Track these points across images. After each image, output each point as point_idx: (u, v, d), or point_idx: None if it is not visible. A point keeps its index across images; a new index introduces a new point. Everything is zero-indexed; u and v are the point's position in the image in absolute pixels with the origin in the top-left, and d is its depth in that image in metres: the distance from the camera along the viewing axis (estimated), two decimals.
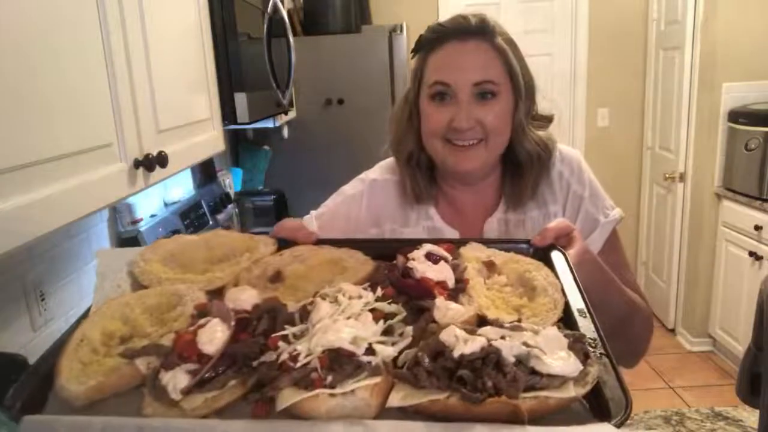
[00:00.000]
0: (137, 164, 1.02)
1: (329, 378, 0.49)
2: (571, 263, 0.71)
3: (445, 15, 3.79)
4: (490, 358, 0.49)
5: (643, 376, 3.11)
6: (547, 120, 0.96)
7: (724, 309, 3.18)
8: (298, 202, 2.80)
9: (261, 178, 2.87)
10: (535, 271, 0.69)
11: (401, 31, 2.75)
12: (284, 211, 2.68)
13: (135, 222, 1.67)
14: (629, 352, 1.01)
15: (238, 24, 1.60)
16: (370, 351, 0.51)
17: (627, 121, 3.91)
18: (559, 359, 0.49)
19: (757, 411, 0.93)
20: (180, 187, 2.07)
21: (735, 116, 3.05)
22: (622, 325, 0.97)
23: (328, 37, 2.82)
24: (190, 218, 1.97)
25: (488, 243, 0.76)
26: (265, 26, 1.85)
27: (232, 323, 0.54)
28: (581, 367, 0.50)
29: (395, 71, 2.80)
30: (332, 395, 0.48)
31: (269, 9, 1.87)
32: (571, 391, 0.48)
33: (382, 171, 1.03)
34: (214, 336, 0.52)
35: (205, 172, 2.37)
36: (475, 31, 0.87)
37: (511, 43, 0.90)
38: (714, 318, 3.27)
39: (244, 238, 0.78)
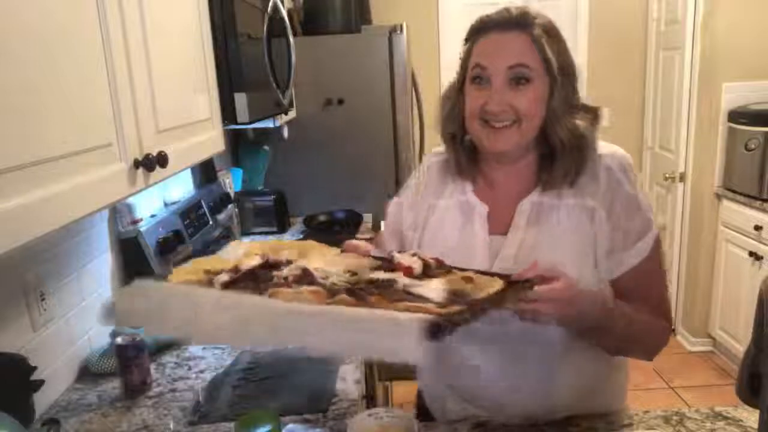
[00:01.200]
0: (137, 164, 1.02)
1: (293, 284, 0.82)
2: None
3: (445, 15, 3.81)
4: (389, 282, 0.81)
5: (643, 376, 3.11)
6: (591, 111, 1.00)
7: (724, 309, 3.18)
8: (298, 202, 2.80)
9: (261, 178, 2.87)
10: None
11: (401, 31, 2.75)
12: (284, 211, 2.68)
13: (135, 222, 1.66)
14: (640, 356, 1.07)
15: (238, 24, 1.60)
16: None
17: (627, 121, 3.91)
18: (429, 290, 0.77)
19: (757, 411, 0.93)
20: (180, 187, 2.07)
21: (735, 116, 3.05)
22: (628, 342, 1.01)
23: (328, 37, 2.81)
24: (190, 218, 1.97)
25: (471, 271, 0.87)
26: (265, 26, 1.85)
27: (262, 260, 0.92)
28: (441, 300, 0.75)
29: (395, 71, 2.79)
30: (291, 292, 0.79)
31: (269, 9, 1.86)
32: (432, 310, 0.71)
33: (435, 149, 1.15)
34: (249, 263, 0.90)
35: (205, 172, 2.37)
36: (515, 22, 0.95)
37: (551, 33, 0.96)
38: (714, 318, 3.27)
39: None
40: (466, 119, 1.00)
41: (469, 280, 0.82)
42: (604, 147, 1.03)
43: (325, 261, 0.91)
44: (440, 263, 0.88)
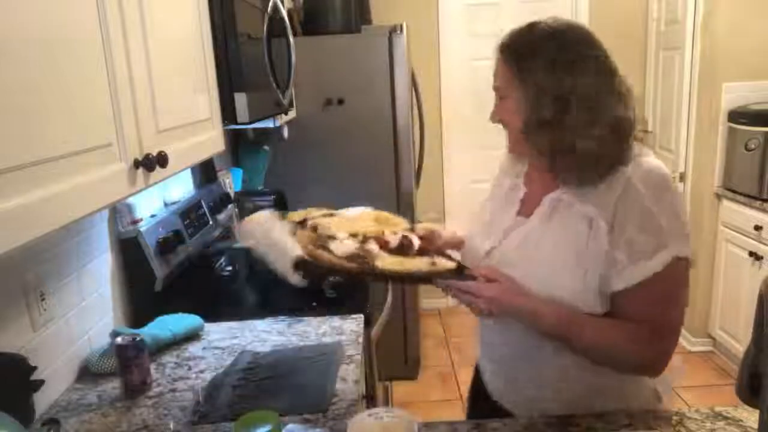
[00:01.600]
0: (137, 164, 1.02)
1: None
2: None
3: (445, 15, 3.81)
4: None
5: None
6: (618, 131, 1.02)
7: (724, 309, 3.18)
8: (298, 202, 2.79)
9: (261, 178, 2.87)
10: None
11: (401, 31, 2.75)
12: (284, 211, 2.67)
13: (135, 222, 1.66)
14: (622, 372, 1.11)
15: (238, 24, 1.60)
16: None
17: None
18: (338, 246, 1.13)
19: (757, 411, 0.93)
20: (180, 187, 2.07)
21: (735, 116, 3.05)
22: (595, 359, 1.08)
23: (328, 37, 2.81)
24: (190, 218, 1.97)
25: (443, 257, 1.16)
26: (265, 26, 1.85)
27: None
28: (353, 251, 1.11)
29: (395, 71, 2.79)
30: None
31: (269, 9, 1.86)
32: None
33: None
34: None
35: (205, 172, 2.37)
36: (501, 47, 1.10)
37: (526, 55, 1.05)
38: (714, 318, 3.26)
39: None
40: None
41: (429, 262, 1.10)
42: (644, 162, 1.04)
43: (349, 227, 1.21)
44: (424, 247, 1.18)
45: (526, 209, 1.15)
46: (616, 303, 1.02)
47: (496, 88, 1.12)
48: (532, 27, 1.09)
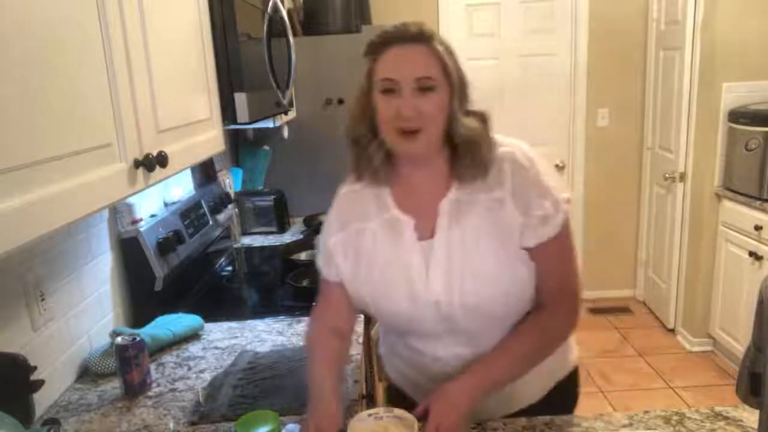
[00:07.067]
0: (137, 164, 1.02)
1: None
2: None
3: (445, 15, 3.81)
4: None
5: (643, 376, 3.11)
6: (479, 115, 1.09)
7: (724, 309, 3.18)
8: (298, 202, 2.80)
9: (261, 178, 2.87)
10: None
11: None
12: (284, 211, 2.68)
13: (135, 222, 1.67)
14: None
15: (238, 24, 1.60)
16: None
17: (627, 121, 3.91)
18: None
19: (757, 411, 0.93)
20: (180, 187, 2.07)
21: (735, 116, 3.05)
22: (535, 363, 1.11)
23: (328, 37, 2.81)
24: (190, 218, 1.97)
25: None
26: (265, 26, 1.85)
27: None
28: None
29: None
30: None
31: (269, 9, 1.86)
32: None
33: (347, 183, 1.20)
34: None
35: (205, 172, 2.37)
36: (414, 36, 1.04)
37: (448, 48, 1.06)
38: (714, 318, 3.27)
39: None
40: (380, 127, 1.08)
41: None
42: (505, 141, 1.11)
43: None
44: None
45: (424, 232, 1.09)
46: (534, 261, 1.08)
47: (424, 79, 1.02)
48: (410, 22, 1.07)
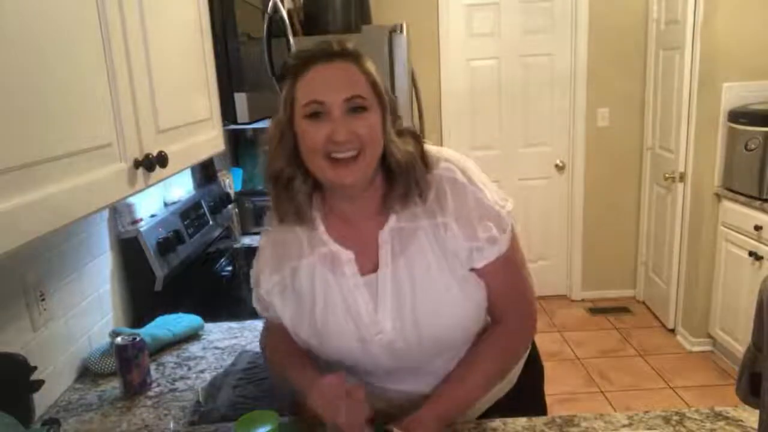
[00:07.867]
0: (137, 164, 1.02)
1: None
2: None
3: (444, 15, 3.81)
4: None
5: (643, 376, 3.11)
6: (412, 134, 1.02)
7: (724, 309, 3.18)
8: None
9: (261, 178, 2.87)
10: None
11: (401, 31, 2.74)
12: None
13: (135, 222, 1.67)
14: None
15: (238, 24, 1.60)
16: None
17: (627, 121, 3.91)
18: None
19: (757, 411, 0.93)
20: (180, 187, 2.07)
21: (735, 116, 3.05)
22: (498, 381, 1.10)
23: (328, 37, 2.81)
24: (190, 218, 1.97)
25: None
26: (265, 26, 1.85)
27: None
28: None
29: (395, 71, 2.79)
30: None
31: (269, 9, 1.86)
32: None
33: (268, 227, 1.10)
34: None
35: (205, 172, 2.37)
36: (338, 53, 0.95)
37: (372, 64, 0.98)
38: (714, 318, 3.26)
39: None
40: (305, 157, 0.96)
41: None
42: (441, 156, 1.03)
43: None
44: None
45: (366, 266, 1.01)
46: (485, 280, 1.03)
47: (355, 99, 0.93)
48: (332, 38, 1.01)
